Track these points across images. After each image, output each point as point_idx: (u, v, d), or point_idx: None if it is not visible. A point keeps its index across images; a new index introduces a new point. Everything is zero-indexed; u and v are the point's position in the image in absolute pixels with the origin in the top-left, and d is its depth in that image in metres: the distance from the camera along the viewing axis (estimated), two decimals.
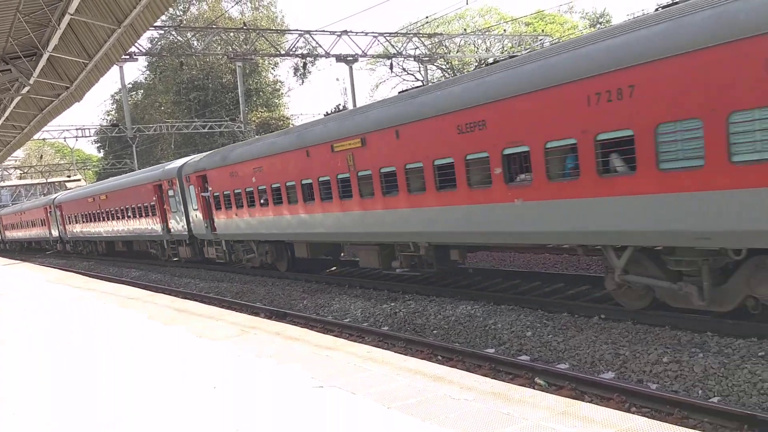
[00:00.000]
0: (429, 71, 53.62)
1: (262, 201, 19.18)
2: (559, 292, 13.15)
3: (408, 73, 62.89)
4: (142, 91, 68.50)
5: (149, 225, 28.44)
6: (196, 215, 23.84)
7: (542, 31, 56.48)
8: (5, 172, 75.70)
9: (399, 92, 15.58)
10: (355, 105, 42.15)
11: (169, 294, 19.29)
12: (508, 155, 10.95)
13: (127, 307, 14.42)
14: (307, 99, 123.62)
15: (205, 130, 51.07)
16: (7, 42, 15.93)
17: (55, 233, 45.46)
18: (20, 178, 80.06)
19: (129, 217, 30.60)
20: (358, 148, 14.57)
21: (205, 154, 25.47)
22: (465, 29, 57.08)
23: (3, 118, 23.20)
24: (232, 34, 47.58)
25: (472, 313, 12.28)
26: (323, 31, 41.12)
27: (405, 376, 6.90)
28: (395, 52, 47.15)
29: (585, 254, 11.31)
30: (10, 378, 8.77)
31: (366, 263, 16.40)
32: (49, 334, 11.81)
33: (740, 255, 8.42)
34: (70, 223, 41.53)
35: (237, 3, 60.99)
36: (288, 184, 17.56)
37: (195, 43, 47.50)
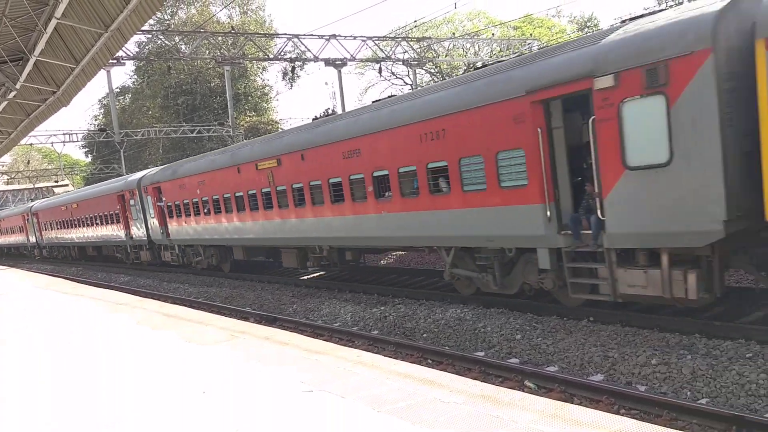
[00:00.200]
0: (418, 75, 53.63)
1: (205, 210, 21.93)
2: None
3: (397, 77, 62.91)
4: (129, 95, 67.96)
5: (114, 231, 30.73)
6: (154, 222, 26.32)
7: (530, 35, 56.73)
8: None
9: (312, 119, 18.34)
10: (344, 109, 42.09)
11: (158, 299, 19.20)
12: (377, 177, 13.94)
13: (116, 312, 14.34)
14: (296, 103, 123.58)
15: (194, 135, 50.78)
16: None
17: (32, 239, 47.06)
18: (7, 183, 79.56)
19: (97, 224, 32.77)
20: (275, 167, 17.36)
21: (159, 168, 28.41)
22: (453, 33, 57.22)
23: None
24: (220, 38, 47.39)
25: (461, 317, 12.29)
26: (312, 35, 40.86)
27: (395, 379, 6.90)
28: (384, 56, 47.08)
29: (430, 253, 15.09)
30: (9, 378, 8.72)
31: (288, 263, 19.40)
32: (31, 341, 11.70)
33: (512, 252, 11.65)
34: (45, 230, 43.17)
35: (225, 7, 60.97)
36: (225, 196, 20.47)
37: (183, 47, 47.22)
